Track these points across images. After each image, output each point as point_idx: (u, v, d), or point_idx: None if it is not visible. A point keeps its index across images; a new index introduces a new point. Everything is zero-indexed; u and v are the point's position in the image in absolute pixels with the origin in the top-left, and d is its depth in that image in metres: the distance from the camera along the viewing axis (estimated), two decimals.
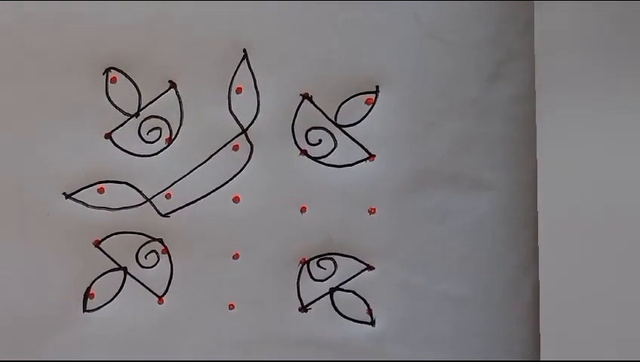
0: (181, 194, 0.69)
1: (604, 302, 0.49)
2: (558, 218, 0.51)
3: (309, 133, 0.69)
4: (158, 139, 0.68)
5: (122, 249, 0.69)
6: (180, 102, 0.67)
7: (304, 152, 0.69)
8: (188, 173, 0.68)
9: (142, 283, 0.69)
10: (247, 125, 0.68)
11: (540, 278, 0.50)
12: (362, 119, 0.69)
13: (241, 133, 0.68)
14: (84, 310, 0.69)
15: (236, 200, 0.69)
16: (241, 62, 0.67)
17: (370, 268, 0.70)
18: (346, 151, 0.69)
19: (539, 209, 0.61)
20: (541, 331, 0.49)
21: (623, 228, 0.49)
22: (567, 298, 0.49)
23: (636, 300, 0.48)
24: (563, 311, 0.49)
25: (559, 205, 0.51)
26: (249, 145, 0.68)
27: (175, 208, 0.69)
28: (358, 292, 0.71)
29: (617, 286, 0.49)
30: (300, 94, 0.68)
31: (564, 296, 0.49)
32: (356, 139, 0.69)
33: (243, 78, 0.68)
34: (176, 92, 0.67)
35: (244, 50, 0.67)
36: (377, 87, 0.68)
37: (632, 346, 0.48)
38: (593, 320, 0.49)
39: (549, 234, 0.50)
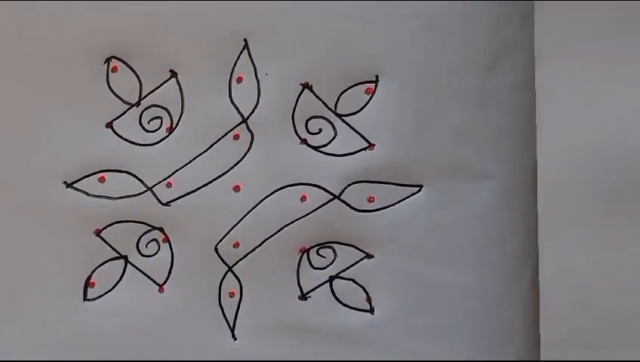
0: (182, 183, 0.69)
1: (604, 302, 0.49)
2: (557, 215, 0.51)
3: (309, 122, 0.69)
4: (158, 129, 0.68)
5: (123, 238, 0.69)
6: (181, 92, 0.68)
7: (304, 141, 0.69)
8: (189, 163, 0.69)
9: (143, 272, 0.70)
10: (248, 114, 0.68)
11: (540, 278, 0.50)
12: (362, 108, 0.69)
13: (241, 123, 0.68)
14: (85, 299, 0.69)
15: (237, 189, 0.69)
16: (241, 51, 0.67)
17: (369, 256, 0.71)
18: (346, 140, 0.69)
19: (538, 208, 0.61)
20: (541, 331, 0.50)
21: (624, 226, 0.50)
22: (567, 298, 0.50)
23: (636, 300, 0.48)
24: (563, 311, 0.50)
25: (559, 201, 0.51)
26: (250, 134, 0.69)
27: (176, 197, 0.69)
28: (358, 281, 0.71)
29: (617, 286, 0.49)
30: (300, 84, 0.68)
31: (564, 295, 0.50)
32: (356, 128, 0.69)
33: (244, 68, 0.68)
34: (177, 81, 0.67)
35: (245, 40, 0.67)
36: (377, 76, 0.68)
37: (632, 346, 0.48)
38: (593, 320, 0.49)
39: (548, 233, 0.51)
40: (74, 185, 0.68)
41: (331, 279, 0.71)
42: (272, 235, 0.70)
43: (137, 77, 0.67)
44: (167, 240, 0.70)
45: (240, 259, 0.70)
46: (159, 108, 0.68)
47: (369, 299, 0.71)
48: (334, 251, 0.71)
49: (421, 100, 0.69)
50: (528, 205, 0.70)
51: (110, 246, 0.69)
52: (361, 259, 0.71)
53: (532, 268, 0.70)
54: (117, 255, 0.69)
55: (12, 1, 0.65)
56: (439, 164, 0.70)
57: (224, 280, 0.70)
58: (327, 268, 0.71)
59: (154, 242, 0.70)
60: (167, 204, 0.69)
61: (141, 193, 0.69)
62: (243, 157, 0.69)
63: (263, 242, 0.70)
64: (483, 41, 0.68)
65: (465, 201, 0.70)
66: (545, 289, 0.50)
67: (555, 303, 0.50)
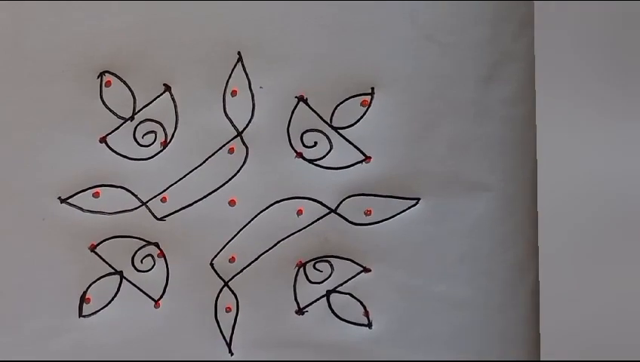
0: (177, 197, 0.68)
1: (604, 302, 0.49)
2: (558, 218, 0.51)
3: (305, 135, 0.69)
4: (153, 143, 0.68)
5: (118, 253, 0.69)
6: (175, 106, 0.67)
7: (300, 155, 0.69)
8: (183, 177, 0.68)
9: (138, 288, 0.69)
10: (243, 128, 0.68)
11: (540, 278, 0.50)
12: (358, 121, 0.68)
13: (236, 136, 0.68)
14: (80, 315, 0.69)
15: (232, 203, 0.69)
16: (235, 64, 0.67)
17: (366, 270, 0.70)
18: (342, 153, 0.69)
19: (539, 209, 0.61)
20: (541, 331, 0.49)
21: (623, 228, 0.49)
22: (567, 298, 0.49)
23: (636, 300, 0.48)
24: (563, 311, 0.49)
25: (559, 205, 0.51)
26: (244, 148, 0.68)
27: (171, 212, 0.69)
28: (355, 295, 0.70)
29: (617, 286, 0.49)
30: (295, 96, 0.68)
31: (564, 295, 0.49)
32: (352, 141, 0.69)
33: (238, 81, 0.67)
34: (171, 95, 0.67)
35: (239, 53, 0.67)
36: (372, 88, 0.68)
37: (632, 346, 0.48)
38: (593, 320, 0.49)
39: (549, 234, 0.50)
40: (68, 201, 0.67)
41: (328, 293, 0.71)
42: (268, 249, 0.70)
43: (131, 91, 0.67)
44: (162, 255, 0.69)
45: (236, 274, 0.70)
46: (153, 123, 0.67)
47: (367, 313, 0.71)
48: (331, 265, 0.70)
49: (418, 112, 0.68)
50: (527, 216, 0.69)
51: (105, 261, 0.69)
52: (359, 273, 0.70)
53: (531, 279, 0.69)
54: (112, 270, 0.69)
55: (5, 17, 0.65)
56: (436, 176, 0.69)
57: (220, 295, 0.70)
58: (324, 283, 0.71)
59: (149, 257, 0.69)
60: (162, 219, 0.69)
61: (136, 208, 0.68)
62: (238, 171, 0.68)
63: (259, 256, 0.70)
64: (480, 52, 0.67)
65: (462, 213, 0.69)
66: (545, 300, 0.50)
67: (556, 314, 0.50)
